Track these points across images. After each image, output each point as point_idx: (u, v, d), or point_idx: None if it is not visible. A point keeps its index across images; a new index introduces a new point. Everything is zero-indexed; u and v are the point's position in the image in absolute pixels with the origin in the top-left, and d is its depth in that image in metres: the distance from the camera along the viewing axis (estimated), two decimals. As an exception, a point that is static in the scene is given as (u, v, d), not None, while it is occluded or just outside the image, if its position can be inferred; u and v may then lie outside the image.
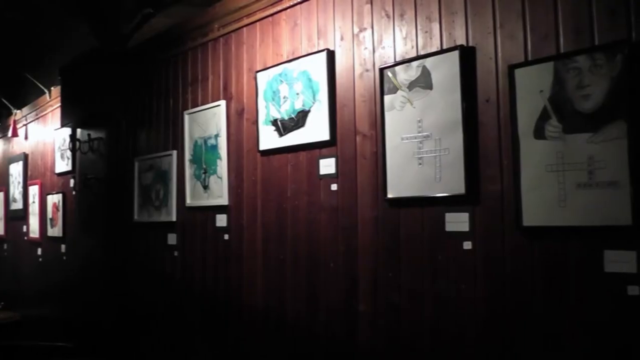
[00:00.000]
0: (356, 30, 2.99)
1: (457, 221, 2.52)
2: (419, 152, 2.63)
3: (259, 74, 3.49)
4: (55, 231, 6.18)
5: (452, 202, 2.53)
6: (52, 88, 6.31)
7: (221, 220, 3.76)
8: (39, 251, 6.62)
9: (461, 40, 2.53)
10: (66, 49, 5.74)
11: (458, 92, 2.50)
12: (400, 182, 2.70)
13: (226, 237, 3.72)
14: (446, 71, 2.54)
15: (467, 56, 2.49)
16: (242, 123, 3.65)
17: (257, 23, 3.57)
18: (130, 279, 4.77)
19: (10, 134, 7.27)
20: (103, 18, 4.85)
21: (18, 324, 5.81)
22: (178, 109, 4.24)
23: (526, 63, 2.31)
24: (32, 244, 6.83)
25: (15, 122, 7.22)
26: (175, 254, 4.20)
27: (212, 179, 3.82)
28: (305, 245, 3.20)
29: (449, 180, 2.52)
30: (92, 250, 5.11)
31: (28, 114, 7.10)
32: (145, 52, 4.66)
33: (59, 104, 5.65)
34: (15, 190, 7.45)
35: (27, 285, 6.99)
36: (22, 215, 7.17)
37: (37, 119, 6.89)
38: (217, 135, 3.79)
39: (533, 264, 2.26)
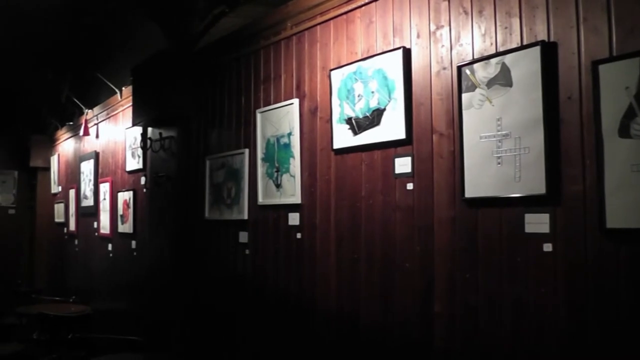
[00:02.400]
0: (433, 27, 3.06)
1: (537, 222, 2.54)
2: (498, 151, 2.68)
3: (333, 72, 3.61)
4: (125, 227, 6.50)
5: (532, 203, 2.55)
6: (123, 88, 6.62)
7: (294, 218, 3.89)
8: (110, 247, 6.97)
9: (542, 36, 2.55)
10: (136, 50, 6.02)
11: (539, 90, 2.53)
12: (478, 182, 2.75)
13: (299, 235, 3.85)
14: (526, 68, 2.58)
15: (549, 52, 2.51)
16: (315, 121, 3.77)
17: (331, 21, 3.69)
18: (200, 276, 4.97)
19: (82, 133, 7.68)
20: (174, 19, 5.08)
21: (89, 317, 6.12)
22: (250, 107, 4.41)
23: (611, 58, 2.31)
24: (103, 239, 7.20)
25: (86, 122, 7.61)
26: (247, 252, 4.36)
27: (285, 178, 3.96)
28: (379, 245, 3.28)
29: (529, 180, 2.55)
30: (162, 246, 5.36)
31: (99, 113, 7.47)
32: (216, 51, 4.86)
33: (130, 104, 5.93)
34: (87, 187, 7.85)
35: (98, 280, 7.38)
36: (93, 212, 7.56)
37: (108, 118, 7.24)
38: (290, 134, 3.93)
39: (618, 268, 2.25)
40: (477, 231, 2.79)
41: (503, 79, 2.68)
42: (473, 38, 2.86)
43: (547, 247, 2.50)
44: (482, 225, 2.77)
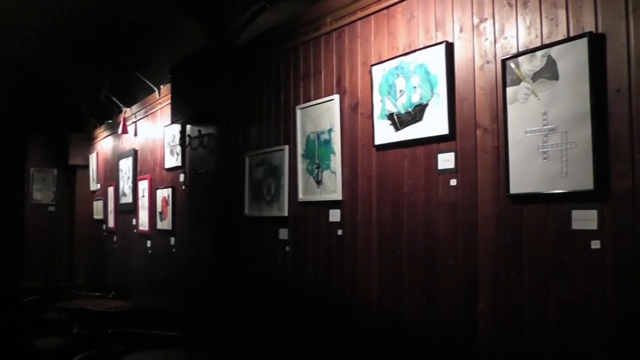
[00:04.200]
0: (476, 20, 3.07)
1: (585, 219, 2.52)
2: (544, 146, 2.67)
3: (374, 68, 3.63)
4: (164, 224, 6.62)
5: (579, 199, 2.54)
6: (161, 86, 6.73)
7: (334, 215, 3.93)
8: (148, 243, 7.11)
9: (590, 27, 2.54)
10: (174, 48, 6.14)
11: (586, 82, 2.51)
12: (524, 178, 2.75)
13: (339, 232, 3.89)
14: (573, 60, 2.57)
15: (597, 44, 2.50)
16: (356, 117, 3.80)
17: (372, 16, 3.71)
18: (239, 273, 5.04)
19: (120, 131, 7.83)
20: (212, 16, 5.15)
21: (128, 312, 6.26)
22: (290, 104, 4.46)
23: (662, 50, 2.30)
24: (142, 236, 7.35)
25: (125, 120, 7.76)
26: (287, 249, 4.41)
27: (326, 174, 4.00)
28: (422, 242, 3.30)
29: (576, 176, 2.54)
30: (202, 243, 5.45)
31: (137, 111, 7.62)
32: (256, 48, 4.92)
33: (169, 102, 6.05)
34: (125, 184, 8.01)
35: (136, 276, 7.54)
36: (131, 209, 7.72)
37: (147, 116, 7.37)
38: (330, 130, 3.97)
39: (670, 266, 2.24)
40: (522, 228, 2.78)
41: (549, 72, 2.67)
42: (518, 30, 2.85)
43: (595, 244, 2.48)
44: (527, 221, 2.76)
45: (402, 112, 3.42)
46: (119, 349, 4.78)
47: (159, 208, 6.80)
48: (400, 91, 3.44)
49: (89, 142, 9.96)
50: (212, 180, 5.33)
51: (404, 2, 3.48)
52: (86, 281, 9.56)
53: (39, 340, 6.34)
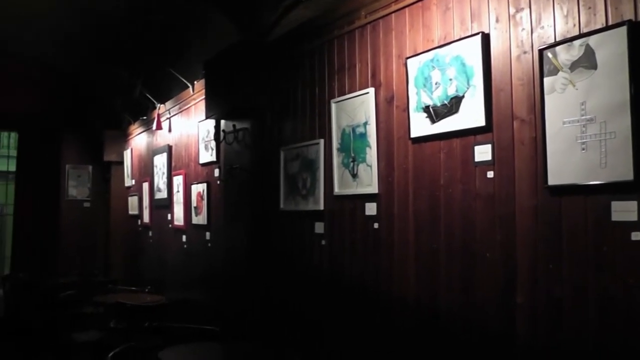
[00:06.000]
0: (512, 10, 3.08)
1: (625, 210, 2.52)
2: (582, 137, 2.68)
3: (409, 61, 3.66)
4: (199, 219, 6.74)
5: (619, 190, 2.54)
6: (195, 82, 6.83)
7: (371, 208, 3.97)
8: (184, 238, 7.23)
9: (629, 15, 2.53)
10: (207, 44, 6.22)
11: (626, 72, 2.51)
12: (562, 169, 2.76)
13: (376, 225, 3.93)
14: (612, 49, 2.57)
15: (636, 32, 2.49)
16: (391, 110, 3.84)
17: (406, 9, 3.74)
18: (275, 267, 5.12)
19: (154, 127, 7.97)
20: (245, 11, 5.22)
21: (164, 306, 6.40)
22: (324, 97, 4.51)
23: None
24: (177, 231, 7.48)
25: (159, 116, 7.89)
26: (323, 242, 4.47)
27: (361, 167, 4.05)
28: (459, 235, 3.33)
29: (615, 166, 2.54)
30: (237, 237, 5.53)
31: (171, 107, 7.74)
32: (289, 42, 4.99)
33: (203, 97, 6.14)
34: (160, 180, 8.14)
35: (172, 271, 7.67)
36: (166, 204, 7.86)
37: (180, 112, 7.49)
38: (366, 123, 4.01)
39: None
40: (560, 220, 2.79)
41: (587, 61, 2.67)
42: (555, 20, 2.86)
43: (636, 235, 2.47)
44: (565, 213, 2.77)
45: (438, 104, 3.45)
46: (155, 343, 4.89)
47: (194, 203, 6.92)
48: (436, 83, 3.47)
49: (124, 138, 10.14)
50: (247, 174, 5.41)
51: (439, -6, 3.51)
52: (122, 276, 9.76)
53: (77, 334, 6.52)
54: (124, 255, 10.14)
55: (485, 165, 3.18)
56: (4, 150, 14.86)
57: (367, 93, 4.01)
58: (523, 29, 3.02)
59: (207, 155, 6.56)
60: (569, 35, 2.78)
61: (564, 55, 2.77)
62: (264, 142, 5.30)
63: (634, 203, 2.49)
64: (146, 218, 8.82)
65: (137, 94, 8.63)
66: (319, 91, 4.60)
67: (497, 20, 3.17)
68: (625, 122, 2.51)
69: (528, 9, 3.00)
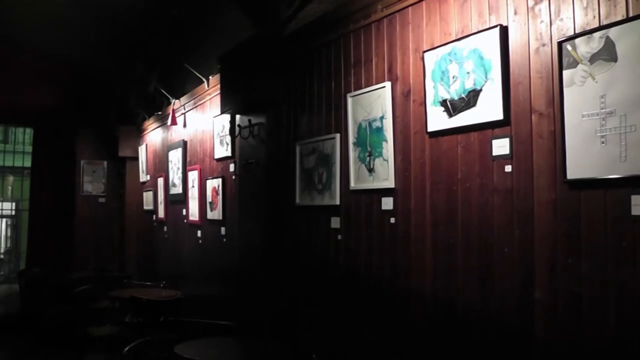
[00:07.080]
0: (531, 3, 3.08)
1: (645, 204, 2.51)
2: (602, 130, 2.67)
3: (426, 54, 3.67)
4: (215, 214, 6.78)
5: (639, 184, 2.54)
6: (210, 77, 6.86)
7: (387, 203, 3.98)
8: (199, 233, 7.28)
9: (650, 7, 2.52)
10: (221, 39, 6.25)
11: (647, 64, 2.50)
12: (581, 163, 2.76)
13: (392, 220, 3.94)
14: (633, 41, 2.56)
15: (658, 24, 2.49)
16: (408, 104, 3.84)
17: (423, 2, 3.75)
18: (291, 262, 5.14)
19: (169, 122, 8.01)
20: (261, 5, 5.24)
21: (180, 301, 6.45)
22: (340, 92, 4.52)
23: None
24: (192, 226, 7.52)
25: (174, 111, 7.94)
26: (339, 237, 4.48)
27: (378, 162, 4.05)
28: (477, 229, 3.33)
29: (635, 160, 2.54)
30: (253, 232, 5.56)
31: (186, 102, 7.78)
32: (305, 36, 5.00)
33: (218, 92, 6.17)
34: (175, 175, 8.19)
35: (187, 266, 7.73)
36: (181, 200, 7.91)
37: (195, 107, 7.53)
38: (382, 118, 4.02)
39: None
40: (579, 214, 2.79)
41: (607, 53, 2.67)
42: (574, 12, 2.85)
43: (656, 230, 2.46)
44: (585, 208, 2.77)
45: (456, 98, 3.45)
46: (171, 337, 4.93)
47: (209, 198, 6.95)
48: (454, 77, 3.47)
49: (138, 134, 10.22)
50: (263, 169, 5.43)
51: (457, -13, 3.50)
52: (137, 271, 9.85)
53: (93, 328, 6.59)
54: (139, 251, 10.23)
55: (503, 159, 3.18)
56: (20, 146, 15.04)
57: (384, 87, 4.02)
58: (542, 21, 3.01)
59: (222, 150, 6.59)
60: (588, 27, 2.77)
61: (584, 47, 2.76)
62: (279, 137, 5.32)
63: (655, 197, 2.48)
64: (161, 213, 8.88)
65: (152, 90, 8.68)
66: (335, 85, 4.60)
67: (515, 13, 3.16)
68: (646, 115, 2.50)
69: (547, 1, 2.99)
